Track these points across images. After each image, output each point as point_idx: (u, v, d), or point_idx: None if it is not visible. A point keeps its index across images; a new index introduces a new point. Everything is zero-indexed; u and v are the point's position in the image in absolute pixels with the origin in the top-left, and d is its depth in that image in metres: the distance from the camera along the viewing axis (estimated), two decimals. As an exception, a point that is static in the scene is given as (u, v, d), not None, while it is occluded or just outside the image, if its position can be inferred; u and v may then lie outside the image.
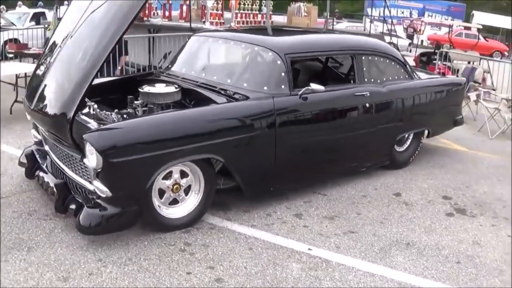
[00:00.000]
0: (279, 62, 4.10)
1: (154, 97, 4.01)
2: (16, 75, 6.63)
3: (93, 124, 3.60)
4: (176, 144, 3.45)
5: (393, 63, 5.11)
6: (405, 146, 5.45)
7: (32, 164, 4.24)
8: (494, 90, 8.65)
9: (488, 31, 18.55)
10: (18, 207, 3.95)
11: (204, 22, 10.26)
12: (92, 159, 3.22)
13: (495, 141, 6.86)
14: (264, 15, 11.83)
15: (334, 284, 3.13)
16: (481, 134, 7.18)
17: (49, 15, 14.10)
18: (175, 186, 3.62)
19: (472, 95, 7.61)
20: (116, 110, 4.06)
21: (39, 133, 4.37)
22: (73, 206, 3.50)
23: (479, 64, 9.89)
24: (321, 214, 4.14)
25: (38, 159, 4.26)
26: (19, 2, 16.40)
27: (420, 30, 21.64)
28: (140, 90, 4.09)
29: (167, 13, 11.60)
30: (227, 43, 4.65)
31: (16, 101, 6.72)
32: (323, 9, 15.98)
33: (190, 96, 4.21)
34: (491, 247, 3.78)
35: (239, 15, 11.27)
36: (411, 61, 9.69)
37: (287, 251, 3.50)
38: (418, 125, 5.39)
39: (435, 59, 10.74)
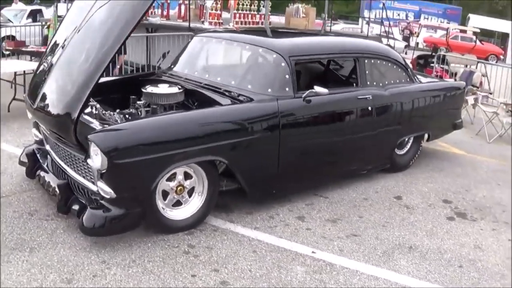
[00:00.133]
0: (283, 64, 4.10)
1: (157, 97, 3.99)
2: (15, 72, 6.57)
3: (95, 124, 3.57)
4: (182, 145, 3.43)
5: (395, 66, 5.13)
6: (405, 149, 5.47)
7: (33, 164, 4.20)
8: (490, 94, 8.70)
9: (484, 34, 18.69)
10: (19, 206, 3.91)
11: (203, 22, 10.23)
12: (97, 160, 3.19)
13: (493, 145, 6.91)
14: (262, 16, 11.84)
15: (338, 288, 3.14)
16: (479, 138, 7.22)
17: (46, 12, 14.00)
18: (178, 188, 3.61)
19: (470, 99, 7.65)
20: (118, 110, 4.03)
21: (40, 132, 4.33)
22: (76, 207, 3.48)
23: (476, 67, 9.95)
24: (323, 217, 4.14)
25: (39, 158, 4.22)
26: None
27: (416, 32, 21.78)
28: (143, 90, 4.06)
29: (165, 12, 11.56)
30: (230, 44, 4.64)
31: (14, 99, 6.66)
32: (320, 10, 16.03)
33: (194, 97, 4.19)
34: (492, 251, 3.80)
35: (237, 15, 11.24)
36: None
37: (291, 254, 3.50)
38: (419, 129, 5.41)
39: (433, 62, 10.79)
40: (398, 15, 26.85)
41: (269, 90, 4.03)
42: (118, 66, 7.56)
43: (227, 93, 4.03)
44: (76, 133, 3.30)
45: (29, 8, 14.43)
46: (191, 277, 3.11)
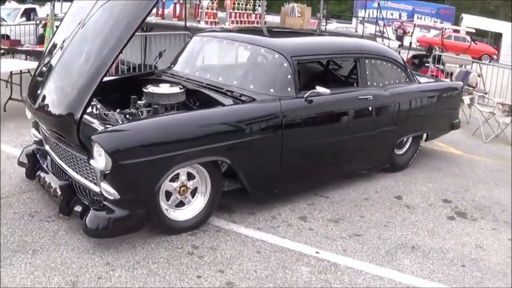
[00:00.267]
0: (285, 64, 4.09)
1: (158, 97, 3.97)
2: (11, 72, 6.50)
3: (97, 124, 3.54)
4: (186, 146, 3.42)
5: (394, 66, 5.15)
6: (404, 149, 5.50)
7: (33, 164, 4.16)
8: (486, 94, 8.77)
9: (477, 34, 18.82)
10: (19, 208, 3.87)
11: (199, 21, 10.21)
12: (101, 161, 3.17)
13: (490, 144, 6.97)
14: (257, 15, 11.84)
15: (344, 288, 3.15)
16: (475, 138, 7.27)
17: (40, 11, 13.87)
18: (182, 188, 3.59)
19: (466, 99, 7.70)
20: (118, 110, 4.01)
21: (39, 133, 4.29)
22: (78, 208, 3.45)
23: (471, 67, 10.02)
24: (325, 217, 4.15)
25: (39, 159, 4.18)
26: None
27: (409, 32, 21.87)
28: (144, 90, 4.04)
29: (160, 11, 11.50)
30: (232, 44, 4.62)
31: (10, 98, 6.59)
32: (314, 10, 16.05)
33: (195, 97, 4.18)
34: (493, 251, 3.83)
35: (233, 14, 11.23)
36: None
37: (295, 254, 3.50)
38: (418, 129, 5.44)
39: (427, 62, 10.85)
40: (392, 14, 26.94)
41: (271, 90, 4.02)
42: (114, 65, 7.51)
43: (229, 93, 4.02)
44: (79, 133, 3.27)
45: (23, 7, 14.30)
46: (196, 278, 3.10)
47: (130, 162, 3.19)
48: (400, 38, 22.59)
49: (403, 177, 5.27)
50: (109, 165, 3.13)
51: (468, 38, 17.07)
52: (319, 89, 4.06)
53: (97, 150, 3.19)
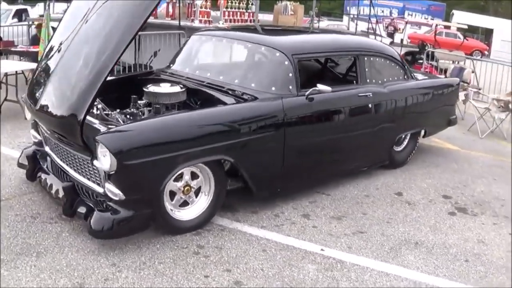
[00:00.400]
0: (286, 62, 4.09)
1: (160, 97, 3.95)
2: (6, 73, 6.42)
3: (98, 124, 3.51)
4: (190, 145, 3.40)
5: (392, 63, 5.17)
6: (403, 145, 5.53)
7: (33, 166, 4.12)
8: (479, 89, 8.84)
9: (467, 30, 18.97)
10: (21, 210, 3.83)
11: (192, 20, 10.17)
12: (105, 161, 3.14)
13: (485, 140, 7.03)
14: (250, 14, 11.83)
15: (351, 285, 3.16)
16: (471, 134, 7.34)
17: (32, 12, 13.73)
18: (186, 188, 3.58)
19: (461, 95, 7.74)
20: (118, 110, 3.98)
21: (39, 134, 4.25)
22: (82, 210, 3.42)
23: (464, 63, 10.09)
24: (328, 215, 4.16)
25: (39, 160, 4.14)
26: None
27: (400, 29, 21.98)
28: (144, 89, 4.02)
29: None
30: (231, 43, 4.61)
31: (5, 99, 6.51)
32: (306, 8, 16.06)
33: (196, 96, 4.16)
34: (495, 245, 3.87)
35: (226, 13, 11.21)
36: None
37: (300, 252, 3.51)
38: (416, 125, 5.47)
39: (420, 59, 10.91)
40: (382, 11, 27.03)
41: (273, 88, 4.02)
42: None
43: (230, 92, 4.01)
44: (83, 134, 3.25)
45: (15, 7, 14.14)
46: (204, 277, 3.09)
47: (135, 162, 3.17)
48: (391, 35, 22.70)
49: (402, 174, 5.30)
50: (114, 166, 3.11)
51: (459, 34, 17.19)
52: (320, 86, 4.06)
53: (102, 151, 3.16)
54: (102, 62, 3.28)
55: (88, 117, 3.58)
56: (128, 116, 3.94)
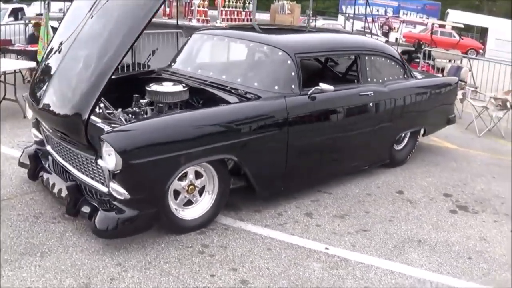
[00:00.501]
0: (289, 61, 4.09)
1: (162, 96, 3.94)
2: (4, 71, 6.38)
3: (101, 124, 3.49)
4: (195, 144, 3.40)
5: (393, 63, 5.19)
6: (403, 144, 5.55)
7: (35, 165, 4.10)
8: (476, 88, 8.89)
9: (462, 29, 19.07)
10: (23, 209, 3.81)
11: (190, 20, 10.16)
12: (111, 161, 3.13)
13: (483, 138, 7.07)
14: (247, 13, 11.84)
15: (357, 283, 3.17)
16: (468, 132, 7.38)
17: (28, 10, 13.64)
18: (190, 187, 3.57)
19: (458, 94, 7.78)
20: (120, 109, 3.97)
21: (40, 133, 4.23)
22: (86, 209, 3.40)
23: (461, 62, 10.15)
24: (331, 213, 4.17)
25: (41, 159, 4.12)
26: None
27: (395, 28, 22.04)
28: (147, 88, 4.00)
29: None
30: (234, 42, 4.60)
31: (4, 98, 6.47)
32: (302, 7, 16.09)
33: (199, 95, 4.16)
34: (497, 243, 3.90)
35: (223, 12, 11.22)
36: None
37: (305, 250, 3.52)
38: (416, 124, 5.50)
39: (417, 57, 10.95)
40: (377, 10, 27.10)
41: (276, 87, 4.02)
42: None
43: (233, 91, 4.01)
44: (87, 133, 3.23)
45: (11, 6, 14.05)
46: (210, 277, 3.09)
47: (141, 161, 3.16)
48: (386, 35, 22.77)
49: (402, 172, 5.32)
50: (120, 165, 3.10)
51: (454, 33, 17.27)
52: (323, 85, 4.07)
53: (107, 150, 3.15)
54: (104, 64, 3.28)
55: (91, 116, 3.59)
56: (130, 115, 3.93)
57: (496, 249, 3.79)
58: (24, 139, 5.38)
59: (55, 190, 3.73)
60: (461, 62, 10.28)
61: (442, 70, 9.46)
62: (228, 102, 3.85)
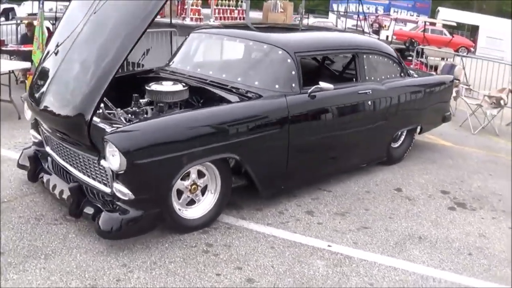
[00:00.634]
0: (289, 60, 4.11)
1: (162, 95, 3.93)
2: (-1, 72, 6.32)
3: (102, 124, 3.48)
4: (199, 144, 3.40)
5: (390, 61, 5.23)
6: (400, 142, 5.59)
7: (35, 166, 4.07)
8: (468, 86, 8.97)
9: (453, 27, 19.22)
10: (24, 211, 3.78)
11: (184, 18, 10.13)
12: (115, 161, 3.12)
13: (478, 136, 7.15)
14: (240, 11, 11.83)
15: (361, 280, 3.20)
16: (463, 130, 7.45)
17: (19, 10, 13.49)
18: (193, 187, 3.58)
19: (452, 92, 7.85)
20: (119, 109, 3.95)
21: (39, 134, 4.19)
22: (89, 210, 3.39)
23: (453, 60, 10.24)
24: (331, 211, 4.20)
25: (41, 161, 4.09)
26: None
27: (385, 26, 22.15)
28: (147, 88, 3.99)
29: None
30: (233, 41, 4.60)
31: (-1, 100, 6.41)
32: (294, 6, 16.13)
33: (199, 94, 4.16)
34: (496, 239, 3.95)
35: (216, 10, 11.21)
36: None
37: (308, 248, 3.54)
38: (413, 122, 5.55)
39: (410, 55, 11.03)
40: (368, 8, 27.23)
41: (277, 86, 4.04)
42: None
43: (234, 90, 4.01)
44: (90, 134, 3.22)
45: (1, 6, 13.90)
46: (216, 276, 3.10)
47: (144, 161, 3.16)
48: (376, 32, 22.87)
49: (399, 170, 5.37)
50: (124, 165, 3.09)
51: (445, 31, 17.40)
52: (323, 84, 4.09)
53: (110, 150, 3.14)
54: (106, 64, 3.27)
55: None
56: (130, 115, 3.92)
57: (496, 245, 3.85)
58: (21, 140, 5.35)
59: (57, 192, 3.72)
60: (453, 60, 10.36)
61: (436, 68, 9.54)
62: (229, 101, 3.86)
